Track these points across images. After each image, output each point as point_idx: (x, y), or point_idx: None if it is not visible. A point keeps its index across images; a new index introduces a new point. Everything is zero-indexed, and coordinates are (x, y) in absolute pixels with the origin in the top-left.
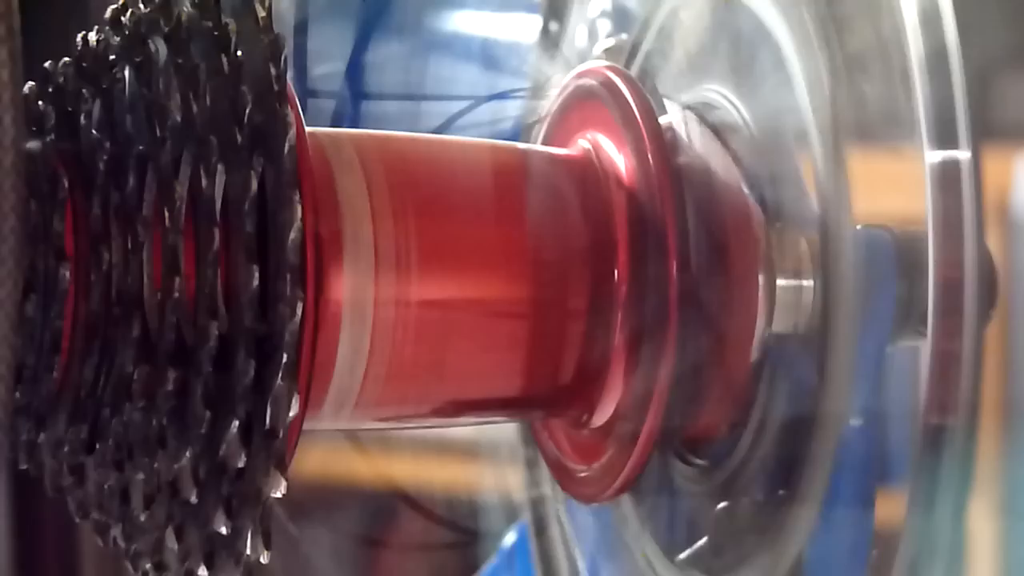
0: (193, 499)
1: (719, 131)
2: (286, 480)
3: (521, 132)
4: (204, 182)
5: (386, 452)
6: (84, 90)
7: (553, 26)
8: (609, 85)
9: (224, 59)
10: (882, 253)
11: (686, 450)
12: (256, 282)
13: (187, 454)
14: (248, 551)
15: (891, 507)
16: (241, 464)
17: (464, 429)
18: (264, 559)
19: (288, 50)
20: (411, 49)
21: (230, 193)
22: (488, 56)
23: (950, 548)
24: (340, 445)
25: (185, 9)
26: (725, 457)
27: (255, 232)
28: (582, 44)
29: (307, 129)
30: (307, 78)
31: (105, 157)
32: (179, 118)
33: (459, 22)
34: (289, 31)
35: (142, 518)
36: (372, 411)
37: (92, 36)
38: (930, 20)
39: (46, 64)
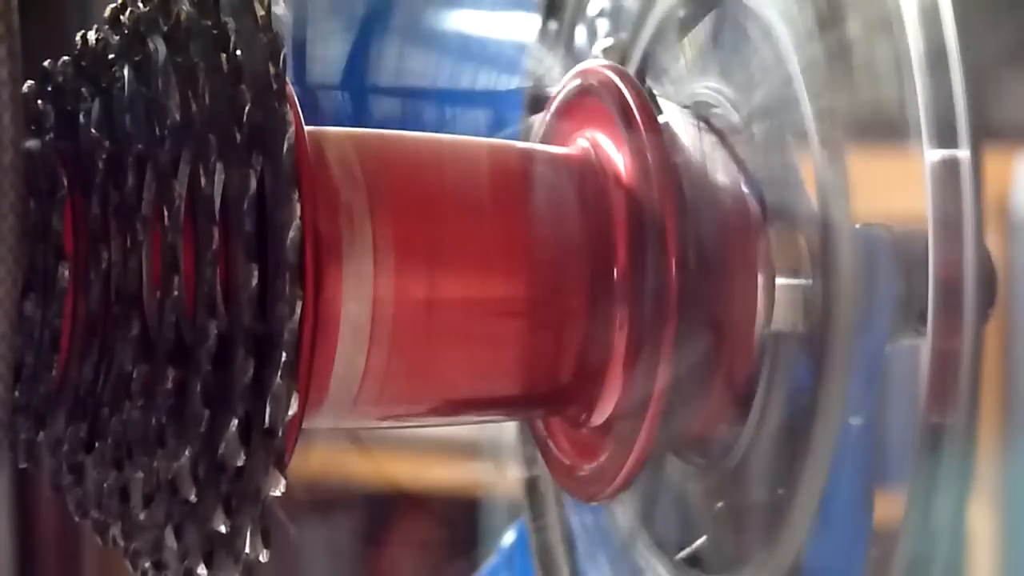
0: (192, 498)
1: (718, 130)
2: (285, 479)
3: (520, 131)
4: (203, 181)
5: (386, 452)
6: (83, 89)
7: (552, 25)
8: (608, 84)
9: (223, 58)
10: (881, 252)
11: (685, 448)
12: (255, 281)
13: (186, 453)
14: (247, 550)
15: (890, 506)
16: (240, 463)
17: (464, 429)
18: (263, 558)
19: (287, 49)
20: (411, 48)
21: (229, 192)
22: (488, 55)
23: (949, 547)
24: (340, 445)
25: (184, 8)
26: (724, 456)
27: (254, 231)
28: (581, 43)
29: (306, 128)
30: (306, 77)
31: (104, 156)
32: (178, 117)
33: (459, 21)
34: (288, 30)
35: (141, 517)
36: (371, 410)
37: (91, 35)
38: (930, 19)
39: (45, 63)
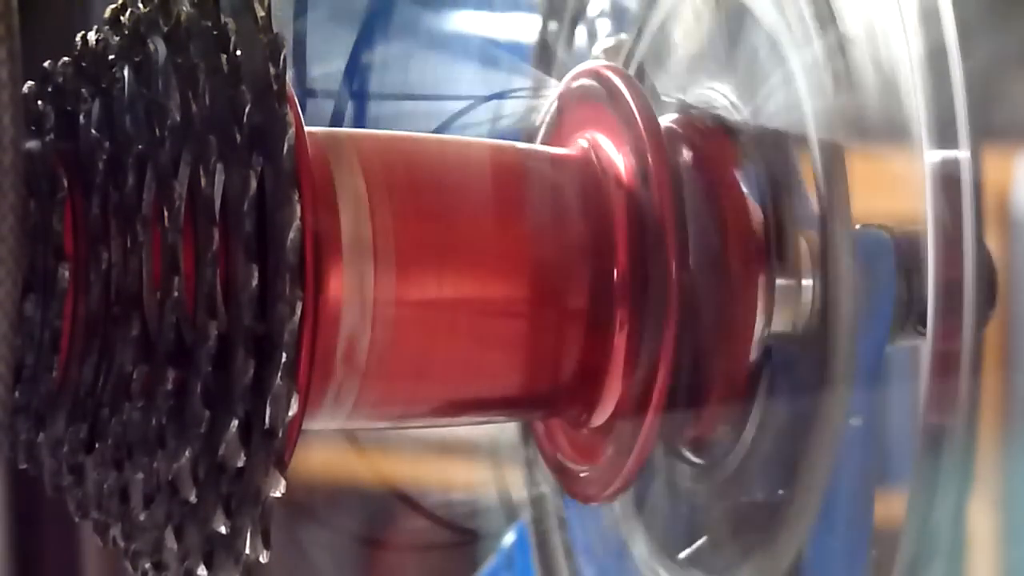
0: (192, 498)
1: (718, 130)
2: (285, 480)
3: (520, 132)
4: (203, 181)
5: (386, 452)
6: (83, 90)
7: (553, 26)
8: (608, 85)
9: (223, 59)
10: (881, 253)
11: (686, 449)
12: (255, 281)
13: (186, 453)
14: (247, 550)
15: (891, 506)
16: (240, 463)
17: (464, 429)
18: (263, 559)
19: (287, 50)
20: (411, 49)
21: (229, 192)
22: (488, 56)
23: (950, 547)
24: (340, 445)
25: (184, 9)
26: (725, 456)
27: (254, 231)
28: (581, 44)
29: (306, 129)
30: (306, 78)
31: (104, 157)
32: (178, 118)
33: (459, 22)
34: (288, 31)
35: (141, 517)
36: (371, 411)
37: (91, 36)
38: (930, 20)
39: (45, 64)
